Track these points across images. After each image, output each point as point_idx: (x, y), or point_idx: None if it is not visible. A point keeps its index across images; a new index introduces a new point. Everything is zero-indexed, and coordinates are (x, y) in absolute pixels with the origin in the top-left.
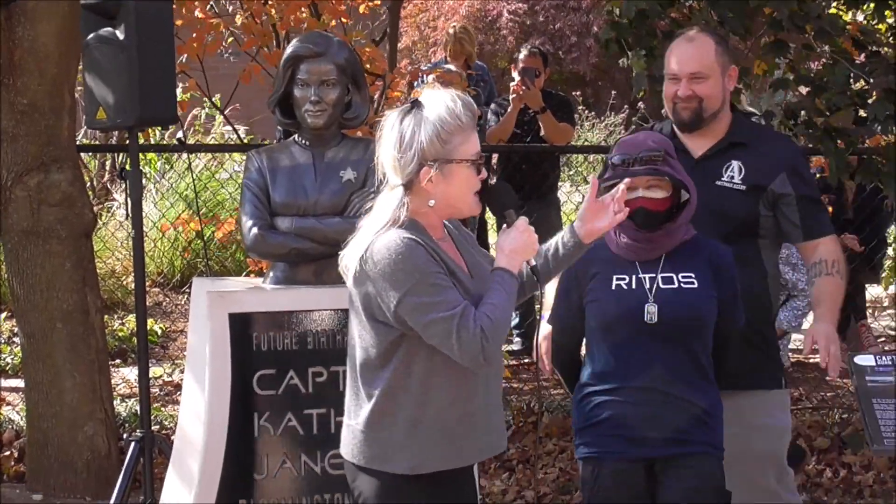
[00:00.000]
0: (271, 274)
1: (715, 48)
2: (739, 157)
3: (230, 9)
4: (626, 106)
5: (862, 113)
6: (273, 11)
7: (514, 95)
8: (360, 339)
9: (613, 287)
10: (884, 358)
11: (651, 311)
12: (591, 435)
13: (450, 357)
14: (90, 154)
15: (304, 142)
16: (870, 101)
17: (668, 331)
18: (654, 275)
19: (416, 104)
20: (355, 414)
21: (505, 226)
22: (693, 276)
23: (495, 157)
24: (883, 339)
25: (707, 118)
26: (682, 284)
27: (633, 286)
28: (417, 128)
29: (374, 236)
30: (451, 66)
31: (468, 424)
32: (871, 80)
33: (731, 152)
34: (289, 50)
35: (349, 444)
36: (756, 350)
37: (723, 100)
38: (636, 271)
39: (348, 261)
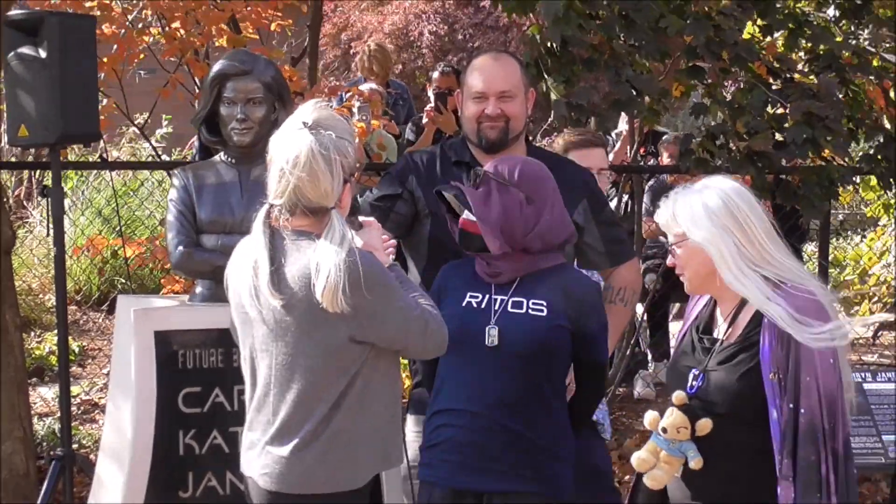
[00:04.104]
0: (197, 291)
1: (519, 68)
2: None
3: (141, 24)
4: (548, 121)
5: (779, 137)
6: (191, 28)
7: (427, 120)
8: (326, 365)
9: (464, 304)
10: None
11: (492, 333)
12: (429, 457)
13: (391, 363)
14: (5, 171)
15: (230, 159)
16: (786, 125)
17: (507, 356)
18: (504, 297)
19: (315, 126)
20: (307, 441)
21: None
22: (544, 303)
23: None
24: None
25: (511, 139)
26: (529, 310)
27: (483, 306)
28: (338, 148)
29: (338, 263)
30: (372, 84)
31: (398, 425)
32: (789, 105)
33: None
34: (215, 68)
35: (295, 475)
36: None
37: (525, 121)
38: (489, 291)
39: (324, 293)
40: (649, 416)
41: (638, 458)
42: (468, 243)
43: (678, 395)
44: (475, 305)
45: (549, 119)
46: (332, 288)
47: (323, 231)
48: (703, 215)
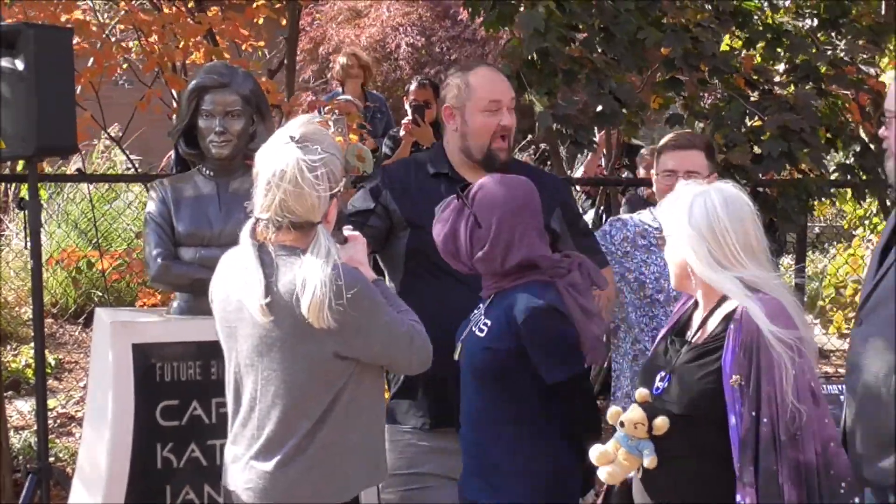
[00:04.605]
0: (175, 304)
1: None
2: None
3: (115, 39)
4: (525, 140)
5: (756, 150)
6: (169, 42)
7: (405, 133)
8: (311, 380)
9: (469, 315)
10: None
11: (458, 347)
12: None
13: (376, 378)
14: None
15: (208, 172)
16: (763, 138)
17: (464, 372)
18: (478, 314)
19: (302, 141)
20: (291, 456)
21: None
22: (489, 323)
23: None
24: None
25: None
26: (477, 330)
27: (469, 322)
28: (325, 163)
29: (323, 279)
30: (348, 96)
31: (382, 438)
32: (766, 118)
33: None
34: (193, 81)
35: (279, 490)
36: None
37: None
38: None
39: (310, 308)
40: (611, 411)
41: (597, 452)
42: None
43: (640, 393)
44: (468, 321)
45: (532, 135)
46: (318, 304)
47: (309, 246)
48: (685, 217)
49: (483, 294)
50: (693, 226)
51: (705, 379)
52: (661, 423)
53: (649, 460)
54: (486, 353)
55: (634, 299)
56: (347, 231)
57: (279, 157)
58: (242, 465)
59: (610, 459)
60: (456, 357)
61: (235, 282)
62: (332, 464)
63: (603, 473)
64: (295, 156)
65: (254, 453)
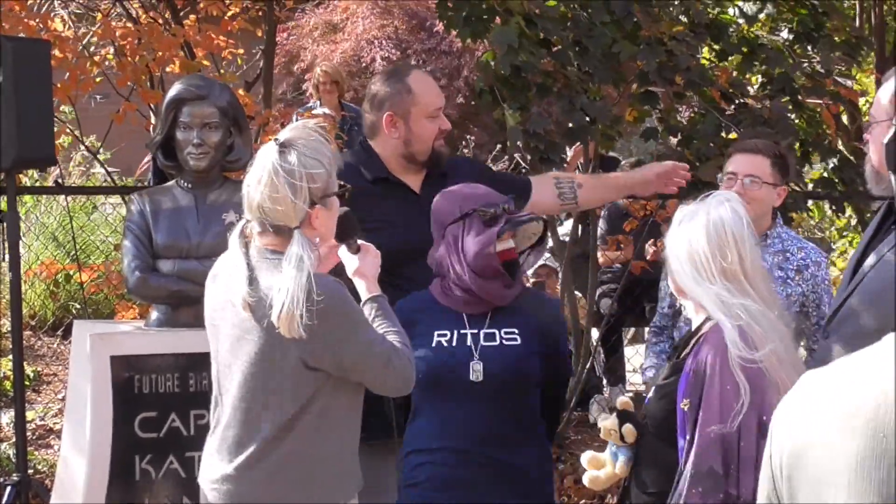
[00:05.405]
0: (153, 316)
1: None
2: (447, 186)
3: (93, 48)
4: (498, 147)
5: None
6: (145, 52)
7: None
8: (277, 386)
9: (434, 343)
10: None
11: (477, 368)
12: (412, 496)
13: (354, 394)
14: None
15: (186, 184)
16: None
17: (493, 390)
18: (477, 330)
19: (285, 145)
20: (254, 459)
21: (349, 252)
22: (516, 331)
23: None
24: None
25: None
26: (503, 341)
27: (455, 343)
28: (304, 168)
29: (293, 289)
30: (325, 109)
31: (356, 457)
32: (741, 131)
33: (440, 183)
34: (171, 93)
35: (241, 492)
36: None
37: None
38: (460, 326)
39: (280, 318)
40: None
41: (588, 456)
42: (515, 271)
43: (621, 400)
44: (446, 344)
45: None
46: (287, 315)
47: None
48: (674, 234)
49: (478, 308)
50: (678, 244)
51: (666, 398)
52: (627, 430)
53: (619, 467)
54: (530, 358)
55: None
56: (361, 241)
57: (259, 159)
58: (212, 462)
59: (598, 465)
60: (479, 378)
61: (223, 280)
62: (299, 473)
63: (586, 478)
64: (271, 159)
65: (223, 453)
